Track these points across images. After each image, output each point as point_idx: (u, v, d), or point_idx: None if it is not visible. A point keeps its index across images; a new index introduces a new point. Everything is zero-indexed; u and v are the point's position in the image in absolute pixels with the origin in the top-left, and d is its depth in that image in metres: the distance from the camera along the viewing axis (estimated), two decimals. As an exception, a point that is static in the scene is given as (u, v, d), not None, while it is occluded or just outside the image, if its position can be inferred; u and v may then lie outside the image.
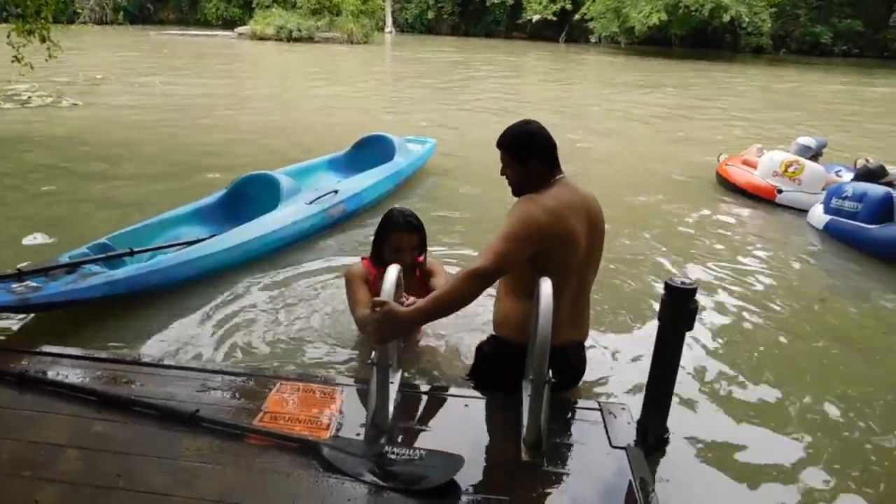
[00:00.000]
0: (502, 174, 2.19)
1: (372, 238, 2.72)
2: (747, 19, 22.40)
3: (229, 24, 28.28)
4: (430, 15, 30.71)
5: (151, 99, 10.27)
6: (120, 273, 3.16)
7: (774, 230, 5.20)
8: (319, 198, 4.36)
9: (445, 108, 10.69)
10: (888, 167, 5.63)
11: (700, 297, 3.42)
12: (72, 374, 2.27)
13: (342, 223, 4.52)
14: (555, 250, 2.01)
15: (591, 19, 25.80)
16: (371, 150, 5.62)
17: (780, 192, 5.70)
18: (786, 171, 5.78)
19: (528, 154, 2.08)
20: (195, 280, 3.43)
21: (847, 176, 5.81)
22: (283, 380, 2.29)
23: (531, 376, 1.86)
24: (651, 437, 1.96)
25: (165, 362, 2.44)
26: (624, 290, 3.69)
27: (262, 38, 24.21)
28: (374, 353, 1.92)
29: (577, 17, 26.54)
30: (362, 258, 2.78)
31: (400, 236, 2.56)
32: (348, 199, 4.61)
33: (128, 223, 3.88)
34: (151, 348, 2.89)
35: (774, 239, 4.98)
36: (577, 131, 8.87)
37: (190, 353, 2.85)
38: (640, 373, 2.73)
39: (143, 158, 6.47)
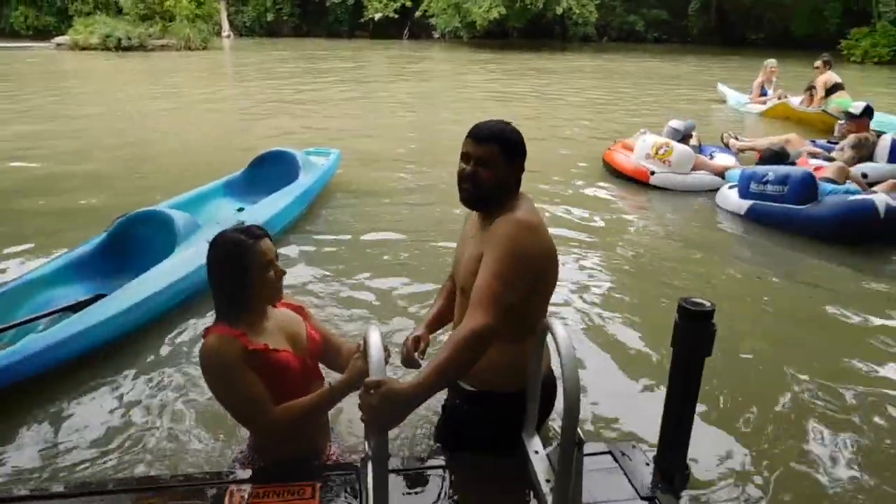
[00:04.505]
0: (466, 174, 1.78)
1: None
2: (577, 11, 24.45)
3: (43, 35, 24.96)
4: (269, 17, 29.38)
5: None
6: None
7: (691, 217, 5.33)
8: None
9: (307, 113, 10.11)
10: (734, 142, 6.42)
11: (645, 296, 3.28)
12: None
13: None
14: (544, 279, 1.80)
15: (433, 16, 26.19)
16: (271, 168, 5.10)
17: (652, 173, 5.95)
18: (657, 153, 6.02)
19: (518, 153, 1.82)
20: (79, 359, 2.76)
21: (723, 158, 6.26)
22: (234, 484, 1.84)
23: (561, 440, 1.61)
24: (677, 480, 1.81)
25: (49, 489, 1.86)
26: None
27: (85, 49, 21.58)
28: (367, 444, 1.57)
29: (418, 13, 26.78)
30: (206, 330, 1.82)
31: (265, 249, 1.79)
32: None
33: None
34: (22, 474, 2.22)
35: (693, 227, 5.10)
36: (442, 126, 8.80)
37: (81, 469, 2.23)
38: (624, 404, 2.62)
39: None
